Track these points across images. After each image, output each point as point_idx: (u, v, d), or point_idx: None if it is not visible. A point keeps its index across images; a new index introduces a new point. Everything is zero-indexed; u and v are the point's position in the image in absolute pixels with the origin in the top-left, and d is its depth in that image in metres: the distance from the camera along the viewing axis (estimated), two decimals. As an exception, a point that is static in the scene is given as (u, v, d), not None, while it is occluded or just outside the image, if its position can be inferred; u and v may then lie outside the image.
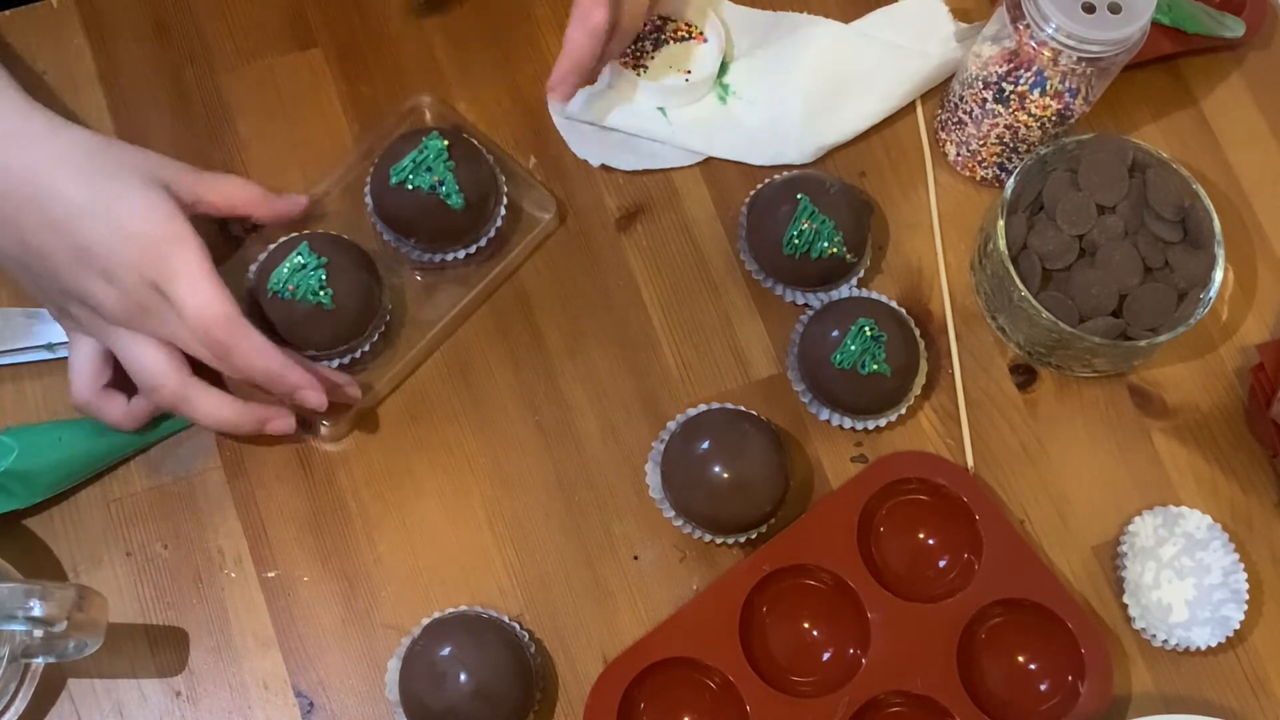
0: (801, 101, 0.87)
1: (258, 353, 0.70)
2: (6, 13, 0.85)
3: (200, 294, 0.69)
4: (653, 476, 0.78)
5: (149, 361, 0.70)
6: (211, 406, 0.72)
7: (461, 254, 0.81)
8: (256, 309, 0.75)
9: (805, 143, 0.87)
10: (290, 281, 0.74)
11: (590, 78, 0.81)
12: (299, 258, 0.74)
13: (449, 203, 0.77)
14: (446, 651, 0.70)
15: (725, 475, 0.74)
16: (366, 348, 0.78)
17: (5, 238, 0.70)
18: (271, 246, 0.77)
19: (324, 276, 0.74)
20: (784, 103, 0.87)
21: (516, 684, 0.71)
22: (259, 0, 0.87)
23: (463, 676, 0.69)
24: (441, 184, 0.77)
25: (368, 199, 0.81)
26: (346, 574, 0.76)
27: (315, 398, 0.73)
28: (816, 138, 0.87)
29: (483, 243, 0.81)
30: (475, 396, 0.80)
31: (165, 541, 0.76)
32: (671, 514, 0.77)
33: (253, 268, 0.77)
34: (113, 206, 0.69)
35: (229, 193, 0.75)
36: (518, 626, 0.74)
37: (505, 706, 0.71)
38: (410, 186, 0.77)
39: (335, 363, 0.78)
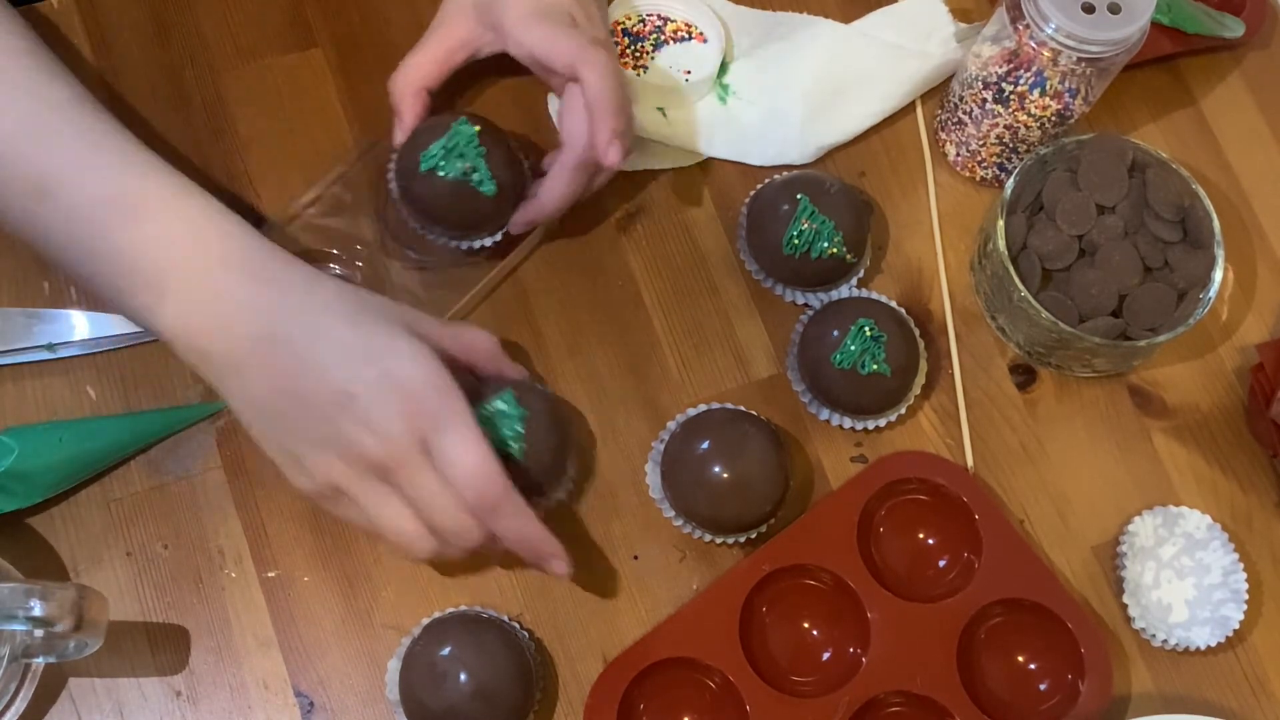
0: (802, 101, 0.87)
1: (522, 517, 0.68)
2: (7, 13, 0.85)
3: (472, 451, 0.66)
4: (652, 476, 0.78)
5: (403, 523, 0.67)
6: (460, 556, 0.70)
7: (489, 241, 0.80)
8: None
9: (805, 143, 0.87)
10: (487, 425, 0.71)
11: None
12: (500, 403, 0.72)
13: (481, 189, 0.77)
14: (446, 651, 0.70)
15: (725, 475, 0.74)
16: (549, 503, 0.76)
17: (256, 383, 0.67)
18: (491, 397, 0.74)
19: (520, 429, 0.72)
20: (784, 103, 0.87)
21: (516, 684, 0.71)
22: (259, 0, 0.87)
23: (463, 676, 0.69)
24: (474, 170, 0.76)
25: (392, 185, 0.79)
26: (346, 574, 0.76)
27: (561, 567, 0.71)
28: (817, 138, 0.87)
29: (479, 244, 0.80)
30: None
31: (166, 541, 0.76)
32: (671, 514, 0.77)
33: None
34: (381, 352, 0.66)
35: (469, 344, 0.73)
36: (518, 626, 0.74)
37: (505, 706, 0.71)
38: (442, 173, 0.76)
39: None
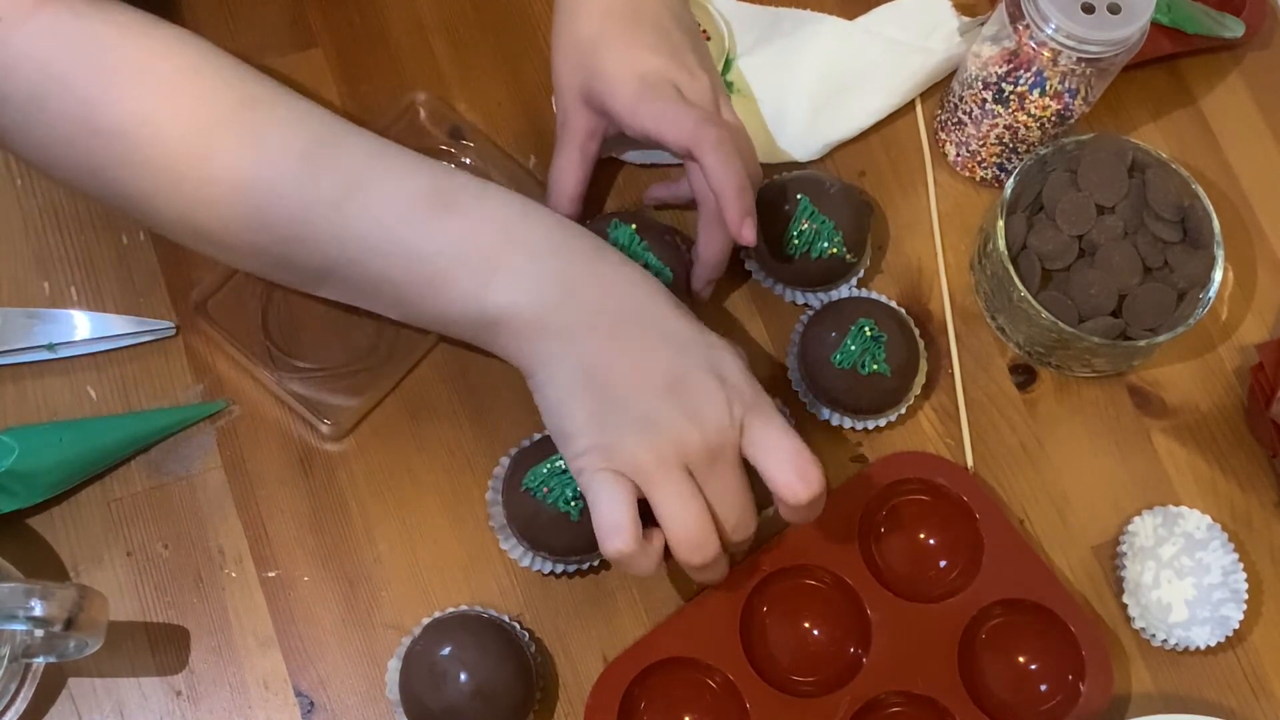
0: (806, 98, 0.87)
1: (822, 503, 0.70)
2: (7, 13, 0.85)
3: (790, 440, 0.68)
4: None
5: (696, 524, 0.67)
6: (716, 573, 0.71)
7: None
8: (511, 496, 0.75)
9: (810, 139, 0.87)
10: (546, 483, 0.73)
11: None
12: (560, 462, 0.72)
13: (660, 280, 0.76)
14: (446, 651, 0.70)
15: None
16: (596, 562, 0.76)
17: (588, 354, 0.67)
18: (537, 437, 0.76)
19: (579, 488, 0.72)
20: (788, 100, 0.87)
21: (516, 684, 0.71)
22: (259, 0, 0.87)
23: (463, 676, 0.69)
24: (646, 266, 0.77)
25: None
26: (346, 574, 0.76)
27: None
28: (821, 134, 0.87)
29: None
30: (475, 396, 0.80)
31: (166, 541, 0.76)
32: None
33: (512, 451, 0.77)
34: (706, 344, 0.68)
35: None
36: (518, 626, 0.74)
37: (505, 706, 0.71)
38: None
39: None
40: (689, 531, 0.67)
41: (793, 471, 0.67)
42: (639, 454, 0.66)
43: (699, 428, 0.66)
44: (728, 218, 0.75)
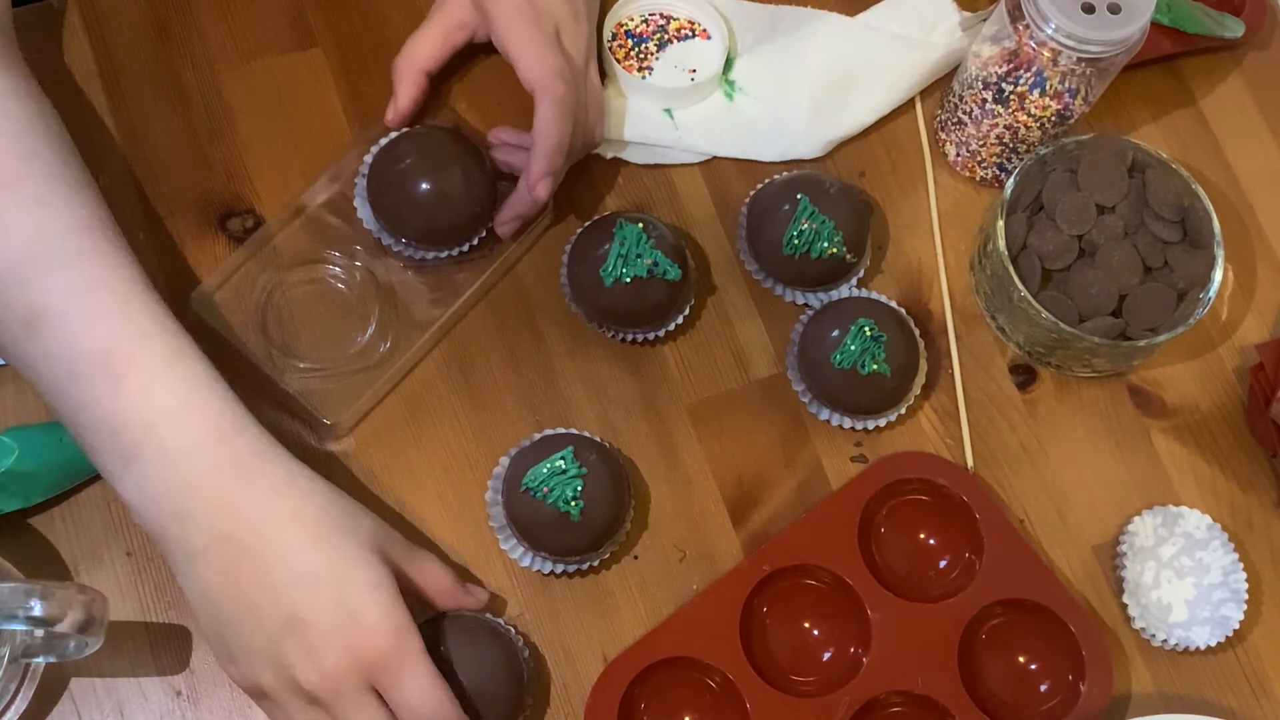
0: (809, 95, 0.87)
1: None
2: (7, 13, 0.85)
3: (429, 694, 0.65)
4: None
5: None
6: None
7: (672, 325, 0.82)
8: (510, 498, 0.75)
9: (814, 137, 0.87)
10: (546, 484, 0.73)
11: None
12: (560, 462, 0.73)
13: (667, 278, 0.78)
14: (439, 652, 0.70)
15: None
16: (596, 562, 0.76)
17: (208, 578, 0.65)
18: (537, 437, 0.76)
19: (580, 487, 0.73)
20: (791, 97, 0.87)
21: (507, 686, 0.71)
22: (259, 0, 0.87)
23: (454, 678, 0.69)
24: (656, 264, 0.78)
25: (573, 307, 0.81)
26: (347, 574, 0.76)
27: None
28: (825, 131, 0.87)
29: (674, 324, 0.82)
30: (475, 396, 0.80)
31: (165, 541, 0.76)
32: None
33: (512, 451, 0.77)
34: (339, 581, 0.65)
35: (427, 577, 0.71)
36: (513, 630, 0.74)
37: (495, 709, 0.70)
38: (628, 279, 0.77)
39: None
40: None
41: (420, 712, 0.65)
42: (258, 678, 0.65)
43: (315, 671, 0.64)
44: (531, 167, 0.77)
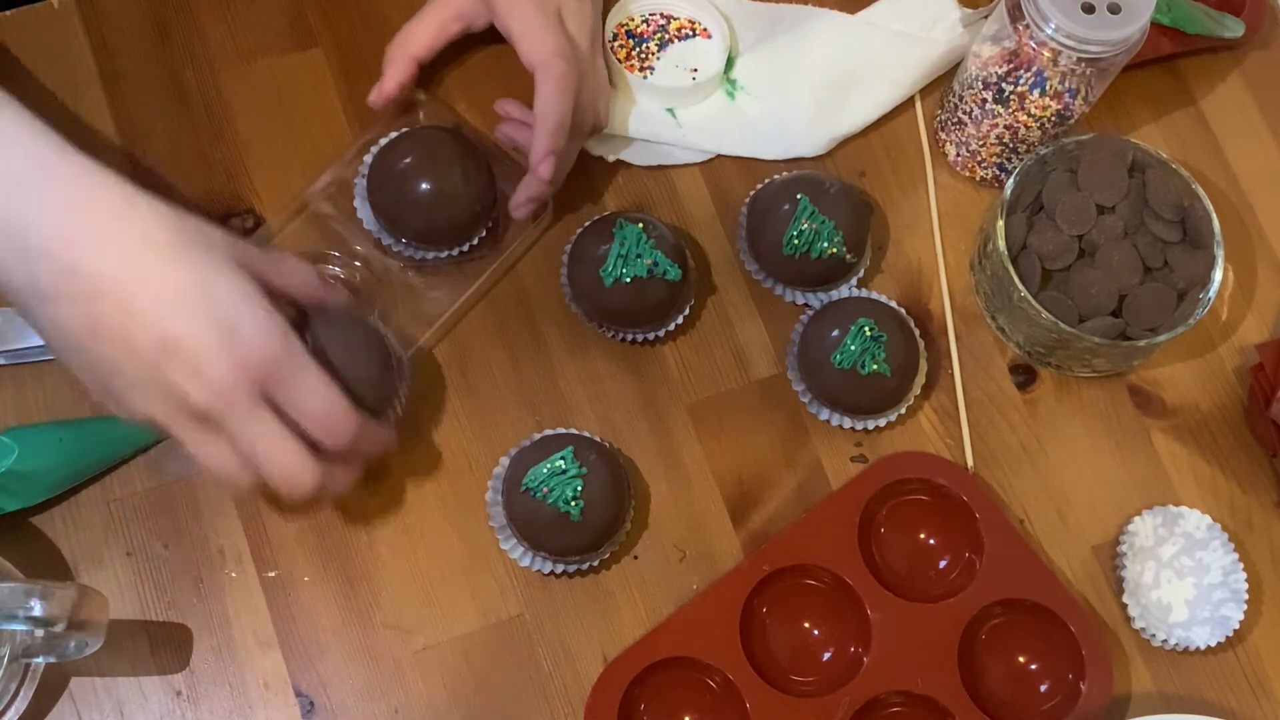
0: (811, 93, 0.87)
1: (376, 435, 0.70)
2: (7, 13, 0.85)
3: (321, 394, 0.65)
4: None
5: (229, 466, 0.65)
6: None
7: (672, 325, 0.82)
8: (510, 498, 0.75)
9: (816, 134, 0.87)
10: (546, 484, 0.73)
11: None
12: (560, 462, 0.73)
13: (667, 278, 0.78)
14: (311, 349, 0.68)
15: None
16: (596, 562, 0.77)
17: (68, 317, 0.62)
18: (537, 437, 0.77)
19: (580, 487, 0.73)
20: (793, 95, 0.87)
21: (381, 373, 0.72)
22: (259, 0, 0.87)
23: (330, 370, 0.68)
24: (656, 264, 0.78)
25: (573, 307, 0.81)
26: (346, 574, 0.76)
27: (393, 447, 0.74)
28: (827, 129, 0.87)
29: (674, 324, 0.82)
30: (475, 396, 0.80)
31: (166, 541, 0.76)
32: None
33: (512, 451, 0.77)
34: (208, 296, 0.62)
35: (288, 276, 0.69)
36: (375, 316, 0.76)
37: (371, 394, 0.71)
38: (628, 279, 0.77)
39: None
40: (219, 473, 0.65)
41: (320, 431, 0.65)
42: (147, 410, 0.64)
43: (204, 387, 0.62)
44: (534, 147, 0.77)
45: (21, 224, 0.62)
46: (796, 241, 0.80)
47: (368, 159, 0.81)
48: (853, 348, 0.78)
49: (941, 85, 0.91)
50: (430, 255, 0.81)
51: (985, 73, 0.82)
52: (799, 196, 0.81)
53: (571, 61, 0.78)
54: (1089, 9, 0.76)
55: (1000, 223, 0.81)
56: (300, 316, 0.70)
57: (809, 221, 0.80)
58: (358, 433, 0.67)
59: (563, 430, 0.78)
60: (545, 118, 0.77)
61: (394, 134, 0.81)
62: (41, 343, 0.77)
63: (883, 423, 0.81)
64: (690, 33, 0.88)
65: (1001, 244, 0.80)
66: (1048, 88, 0.81)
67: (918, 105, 0.90)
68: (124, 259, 0.62)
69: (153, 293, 0.62)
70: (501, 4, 0.79)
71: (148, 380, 0.63)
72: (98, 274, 0.62)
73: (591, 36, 0.82)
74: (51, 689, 0.72)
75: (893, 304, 0.82)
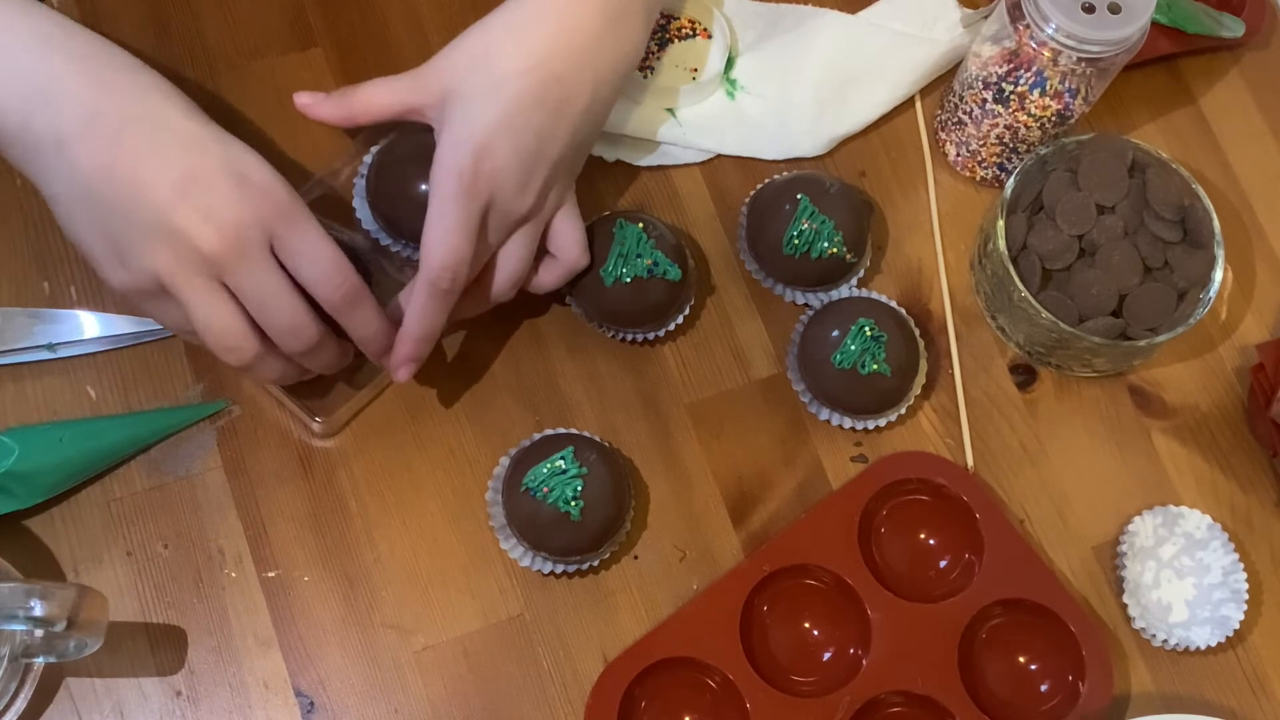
0: (812, 93, 0.87)
1: (375, 309, 0.70)
2: (7, 12, 0.85)
3: (326, 244, 0.66)
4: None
5: (232, 322, 0.66)
6: (272, 368, 0.70)
7: (672, 325, 0.82)
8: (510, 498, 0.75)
9: (817, 134, 0.87)
10: (546, 484, 0.73)
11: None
12: (560, 462, 0.73)
13: (668, 277, 0.78)
14: None
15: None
16: (596, 562, 0.77)
17: (83, 161, 0.64)
18: (537, 437, 0.76)
19: (580, 487, 0.73)
20: (794, 95, 0.87)
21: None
22: (259, 0, 0.87)
23: None
24: (656, 264, 0.78)
25: (573, 307, 0.81)
26: (346, 574, 0.76)
27: (407, 372, 0.72)
28: (828, 129, 0.87)
29: (674, 324, 0.81)
30: (475, 396, 0.80)
31: (166, 541, 0.76)
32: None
33: (512, 451, 0.77)
34: (222, 143, 0.65)
35: None
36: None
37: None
38: (628, 279, 0.77)
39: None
40: (220, 333, 0.66)
41: (324, 279, 0.66)
42: (152, 261, 0.64)
43: (215, 228, 0.63)
44: (396, 346, 0.72)
45: (46, 72, 0.64)
46: (796, 241, 0.80)
47: (367, 159, 0.81)
48: (853, 348, 0.78)
49: (941, 85, 0.91)
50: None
51: (985, 73, 0.82)
52: (799, 196, 0.81)
53: (455, 280, 0.70)
54: (1089, 9, 0.76)
55: (1000, 223, 0.81)
56: None
57: (809, 221, 0.80)
58: (357, 292, 0.68)
59: (563, 430, 0.78)
60: (407, 323, 0.72)
61: (394, 134, 0.81)
62: (41, 343, 0.77)
63: (883, 423, 0.81)
64: (690, 32, 0.88)
65: (1001, 244, 0.80)
66: (1048, 88, 0.81)
67: (918, 105, 0.90)
68: (147, 105, 0.65)
69: (175, 133, 0.64)
70: (434, 172, 0.71)
71: (158, 226, 0.63)
72: (123, 114, 0.64)
73: (529, 214, 0.73)
74: (51, 689, 0.72)
75: (893, 304, 0.82)
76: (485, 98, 0.71)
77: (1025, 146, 0.85)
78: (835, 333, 0.79)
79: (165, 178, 0.63)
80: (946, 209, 0.88)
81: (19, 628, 0.66)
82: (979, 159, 0.87)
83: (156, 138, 0.64)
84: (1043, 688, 0.77)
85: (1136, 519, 0.81)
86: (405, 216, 0.79)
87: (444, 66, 0.73)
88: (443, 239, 0.70)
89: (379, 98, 0.75)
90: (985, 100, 0.83)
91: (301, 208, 0.66)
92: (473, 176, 0.70)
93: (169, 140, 0.64)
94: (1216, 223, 0.81)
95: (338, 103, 0.75)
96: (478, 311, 0.77)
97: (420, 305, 0.71)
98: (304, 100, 0.76)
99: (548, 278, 0.78)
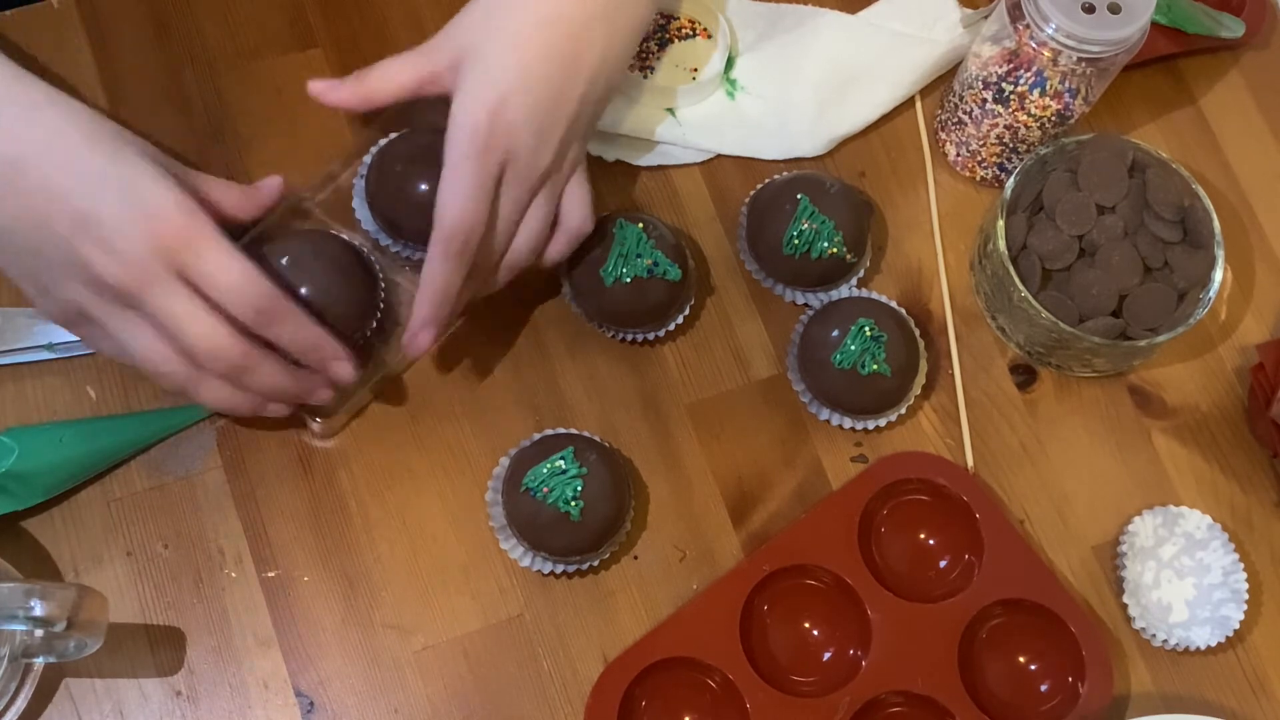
0: (812, 93, 0.87)
1: (298, 320, 0.69)
2: (7, 13, 0.85)
3: (234, 264, 0.66)
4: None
5: (155, 345, 0.67)
6: (214, 391, 0.70)
7: (672, 325, 0.81)
8: (510, 498, 0.75)
9: (817, 134, 0.87)
10: (546, 484, 0.73)
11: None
12: (560, 462, 0.73)
13: (668, 277, 0.78)
14: (275, 266, 0.72)
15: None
16: (596, 562, 0.77)
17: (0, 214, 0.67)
18: (537, 437, 0.77)
19: (580, 487, 0.73)
20: (794, 95, 0.87)
21: (352, 283, 0.74)
22: (259, 0, 0.87)
23: (300, 283, 0.72)
24: (656, 264, 0.78)
25: (573, 307, 0.81)
26: (346, 574, 0.76)
27: (346, 370, 0.72)
28: (828, 129, 0.87)
29: (674, 324, 0.81)
30: (475, 396, 0.80)
31: (165, 541, 0.76)
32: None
33: (512, 451, 0.77)
34: (121, 178, 0.66)
35: (211, 190, 0.72)
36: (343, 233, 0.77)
37: (345, 305, 0.73)
38: (628, 279, 0.77)
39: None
40: (145, 358, 0.68)
41: (233, 298, 0.66)
42: (70, 296, 0.67)
43: (117, 263, 0.65)
44: (414, 312, 0.73)
45: None
46: (796, 241, 0.80)
47: (367, 159, 0.81)
48: (853, 348, 0.78)
49: (941, 85, 0.91)
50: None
51: (985, 73, 0.82)
52: (799, 196, 0.81)
53: (468, 241, 0.70)
54: (1089, 9, 0.76)
55: (1000, 223, 0.81)
56: (257, 235, 0.73)
57: (809, 221, 0.80)
58: (272, 305, 0.67)
59: (563, 430, 0.78)
60: (425, 282, 0.72)
61: (394, 134, 0.81)
62: (41, 343, 0.77)
63: (883, 423, 0.81)
64: (690, 32, 0.88)
65: (1001, 244, 0.80)
66: (1048, 88, 0.81)
67: (918, 105, 0.90)
68: (44, 144, 0.66)
69: (72, 174, 0.66)
70: (449, 129, 0.71)
71: (66, 260, 0.66)
72: (19, 156, 0.66)
73: (545, 175, 0.73)
74: (50, 689, 0.72)
75: (893, 304, 0.82)
76: (498, 54, 0.71)
77: (1025, 146, 0.85)
78: (835, 333, 0.79)
79: (65, 213, 0.65)
80: (946, 209, 0.88)
81: (19, 628, 0.66)
82: (979, 159, 0.87)
83: (55, 178, 0.66)
84: (1043, 688, 0.77)
85: (1136, 519, 0.81)
86: (405, 217, 0.79)
87: (456, 29, 0.74)
88: (456, 198, 0.70)
89: (395, 74, 0.74)
90: (985, 100, 0.83)
91: (203, 229, 0.66)
92: (488, 133, 0.70)
93: (68, 179, 0.66)
94: (1216, 223, 0.81)
95: (354, 86, 0.75)
96: (498, 285, 0.77)
97: (434, 268, 0.71)
98: (318, 87, 0.76)
99: (554, 248, 0.77)
